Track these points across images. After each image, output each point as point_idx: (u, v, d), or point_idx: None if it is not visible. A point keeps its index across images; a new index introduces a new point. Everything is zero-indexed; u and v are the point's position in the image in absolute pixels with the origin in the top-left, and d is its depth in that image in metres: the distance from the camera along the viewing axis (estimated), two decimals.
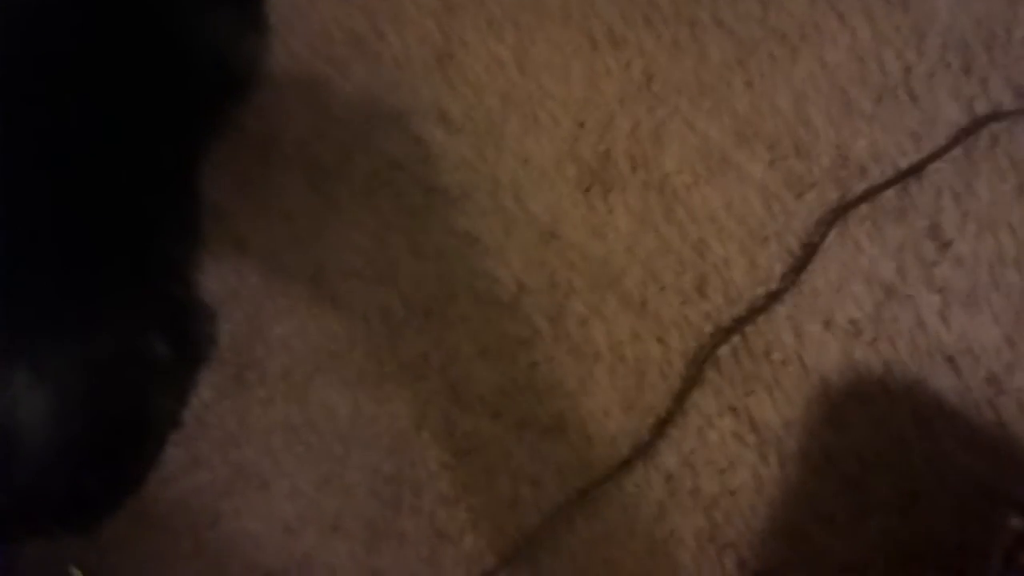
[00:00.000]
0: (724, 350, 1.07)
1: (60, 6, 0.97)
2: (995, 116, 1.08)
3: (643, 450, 1.06)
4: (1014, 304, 1.04)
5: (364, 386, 1.10)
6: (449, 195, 1.15)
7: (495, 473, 1.07)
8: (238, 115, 1.15)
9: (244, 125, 1.17)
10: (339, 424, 1.09)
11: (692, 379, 1.07)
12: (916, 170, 1.08)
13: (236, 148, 1.15)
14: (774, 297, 1.08)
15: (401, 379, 1.10)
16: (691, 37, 1.16)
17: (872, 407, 1.04)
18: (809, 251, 1.08)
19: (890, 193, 1.08)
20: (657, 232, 1.11)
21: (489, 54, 1.19)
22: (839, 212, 1.08)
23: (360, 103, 1.18)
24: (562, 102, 1.16)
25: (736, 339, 1.08)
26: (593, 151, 1.14)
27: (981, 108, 1.09)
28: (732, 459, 1.05)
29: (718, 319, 1.08)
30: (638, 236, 1.11)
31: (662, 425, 1.06)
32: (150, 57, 1.01)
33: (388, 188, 1.15)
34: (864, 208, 1.08)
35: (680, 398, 1.07)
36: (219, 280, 1.13)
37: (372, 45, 1.20)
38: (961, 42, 1.11)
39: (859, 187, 1.09)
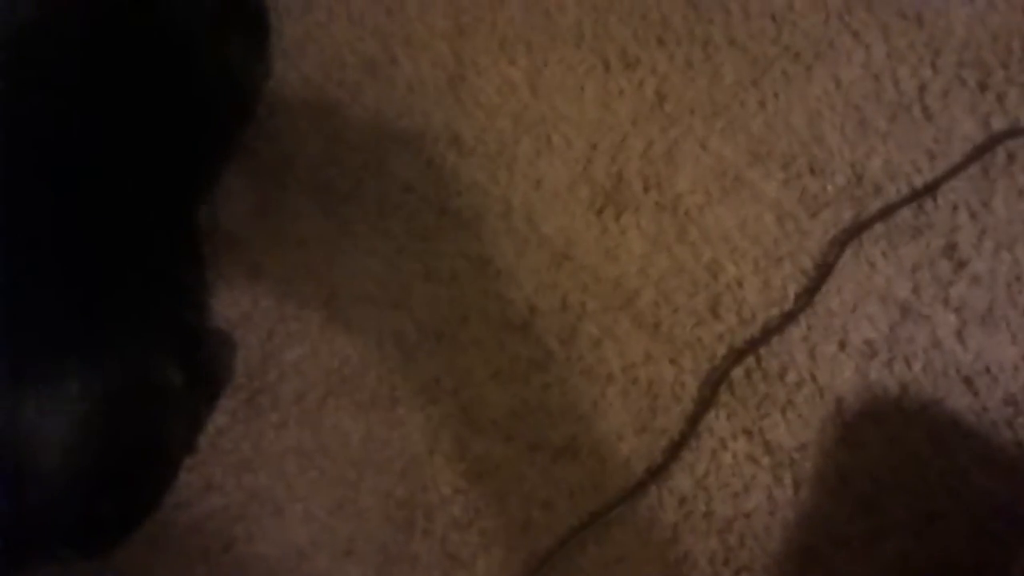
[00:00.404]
0: (738, 372, 1.07)
1: (68, 28, 0.98)
2: (1012, 132, 1.07)
3: (656, 473, 1.05)
4: None
5: (377, 410, 1.10)
6: (461, 218, 1.15)
7: (507, 496, 1.06)
8: (250, 139, 1.16)
9: (256, 150, 1.18)
10: (352, 448, 1.09)
11: (706, 401, 1.06)
12: (931, 188, 1.07)
13: (249, 173, 1.16)
14: (788, 318, 1.07)
15: (414, 403, 1.10)
16: (704, 57, 1.16)
17: (888, 428, 1.03)
18: (823, 271, 1.07)
19: (905, 212, 1.07)
20: (670, 253, 1.11)
21: (501, 76, 1.19)
22: (854, 231, 1.08)
23: (372, 127, 1.19)
24: (575, 123, 1.16)
25: (750, 360, 1.07)
26: (606, 172, 1.14)
27: (998, 124, 1.08)
28: (746, 481, 1.04)
29: (732, 340, 1.08)
30: (651, 257, 1.11)
31: (675, 448, 1.06)
32: (160, 80, 1.02)
33: (400, 212, 1.16)
34: (879, 227, 1.07)
35: (694, 420, 1.06)
36: (232, 305, 1.14)
37: (384, 69, 1.21)
38: (977, 58, 1.10)
39: (874, 206, 1.08)
